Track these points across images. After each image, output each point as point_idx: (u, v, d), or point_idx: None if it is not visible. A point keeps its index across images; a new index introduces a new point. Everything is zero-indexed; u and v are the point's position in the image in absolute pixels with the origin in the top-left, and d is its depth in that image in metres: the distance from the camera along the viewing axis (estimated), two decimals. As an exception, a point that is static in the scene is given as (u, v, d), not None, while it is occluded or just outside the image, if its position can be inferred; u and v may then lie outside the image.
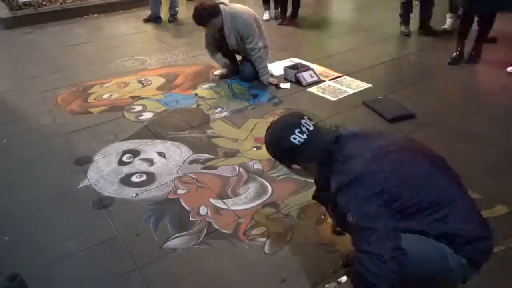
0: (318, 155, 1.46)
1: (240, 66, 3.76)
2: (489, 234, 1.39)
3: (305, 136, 1.44)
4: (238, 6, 3.51)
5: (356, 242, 1.36)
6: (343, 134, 1.49)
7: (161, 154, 2.68)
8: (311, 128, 1.46)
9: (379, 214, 1.30)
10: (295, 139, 1.44)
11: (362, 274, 1.30)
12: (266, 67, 3.63)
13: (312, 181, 1.72)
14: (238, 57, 3.82)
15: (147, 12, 5.85)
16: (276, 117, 1.66)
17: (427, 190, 1.35)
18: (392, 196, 1.32)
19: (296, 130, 1.44)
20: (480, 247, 1.37)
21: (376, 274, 1.27)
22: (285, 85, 3.56)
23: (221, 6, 3.39)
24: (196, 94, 3.51)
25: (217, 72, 3.84)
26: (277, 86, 3.54)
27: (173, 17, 5.69)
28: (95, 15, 6.30)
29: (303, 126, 1.45)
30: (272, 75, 3.70)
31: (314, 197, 1.77)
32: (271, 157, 1.61)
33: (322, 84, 3.57)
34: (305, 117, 1.49)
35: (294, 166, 1.55)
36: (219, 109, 3.23)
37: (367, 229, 1.30)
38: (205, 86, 3.66)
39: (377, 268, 1.26)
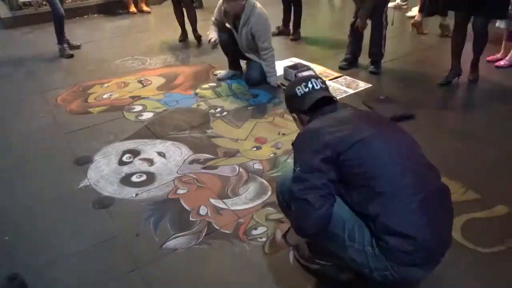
0: (307, 108, 1.59)
1: (246, 70, 3.69)
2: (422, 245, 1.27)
3: (306, 90, 1.61)
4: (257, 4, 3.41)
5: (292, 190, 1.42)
6: (338, 104, 1.63)
7: (161, 154, 2.68)
8: (317, 87, 1.61)
9: (319, 168, 1.36)
10: (298, 89, 1.62)
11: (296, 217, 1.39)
12: (275, 69, 3.55)
13: None
14: (242, 62, 3.79)
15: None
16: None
17: (376, 168, 1.35)
18: (336, 152, 1.37)
19: (303, 84, 1.62)
20: (405, 246, 1.26)
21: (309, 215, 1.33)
22: None
23: None
24: (196, 94, 3.51)
25: (218, 72, 3.84)
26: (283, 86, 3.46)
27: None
28: (95, 15, 6.29)
29: (311, 83, 1.62)
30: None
31: None
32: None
33: (322, 84, 3.56)
34: (319, 79, 1.65)
35: (293, 114, 1.69)
36: (219, 109, 3.24)
37: (304, 179, 1.37)
38: (205, 86, 3.66)
39: (304, 210, 1.34)
